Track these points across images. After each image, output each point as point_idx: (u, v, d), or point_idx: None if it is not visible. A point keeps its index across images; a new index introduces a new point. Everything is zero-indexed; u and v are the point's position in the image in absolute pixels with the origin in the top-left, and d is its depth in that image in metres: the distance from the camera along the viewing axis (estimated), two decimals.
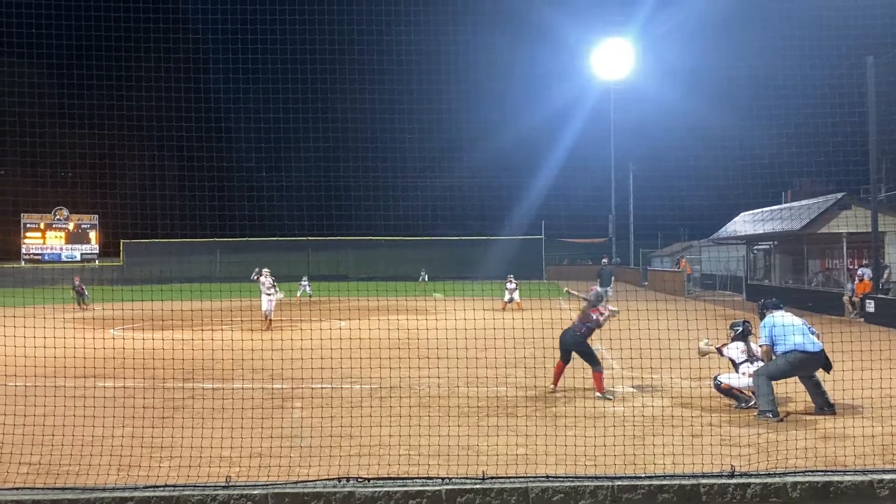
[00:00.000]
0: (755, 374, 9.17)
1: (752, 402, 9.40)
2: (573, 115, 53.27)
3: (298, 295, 35.49)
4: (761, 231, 31.61)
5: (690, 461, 6.47)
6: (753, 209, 35.33)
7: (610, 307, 11.09)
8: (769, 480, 5.03)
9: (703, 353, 10.20)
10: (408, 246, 55.18)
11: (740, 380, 9.61)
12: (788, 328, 9.24)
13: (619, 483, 4.75)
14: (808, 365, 9.12)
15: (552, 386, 10.44)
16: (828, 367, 9.21)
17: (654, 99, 52.25)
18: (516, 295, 28.46)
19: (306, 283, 37.67)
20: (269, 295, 21.33)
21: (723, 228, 38.62)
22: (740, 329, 10.10)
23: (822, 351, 9.16)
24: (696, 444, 7.36)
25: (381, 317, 20.02)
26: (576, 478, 4.84)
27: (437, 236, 53.93)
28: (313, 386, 10.53)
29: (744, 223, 35.70)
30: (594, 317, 10.66)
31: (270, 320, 21.07)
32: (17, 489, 4.46)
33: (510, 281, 29.28)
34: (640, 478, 4.96)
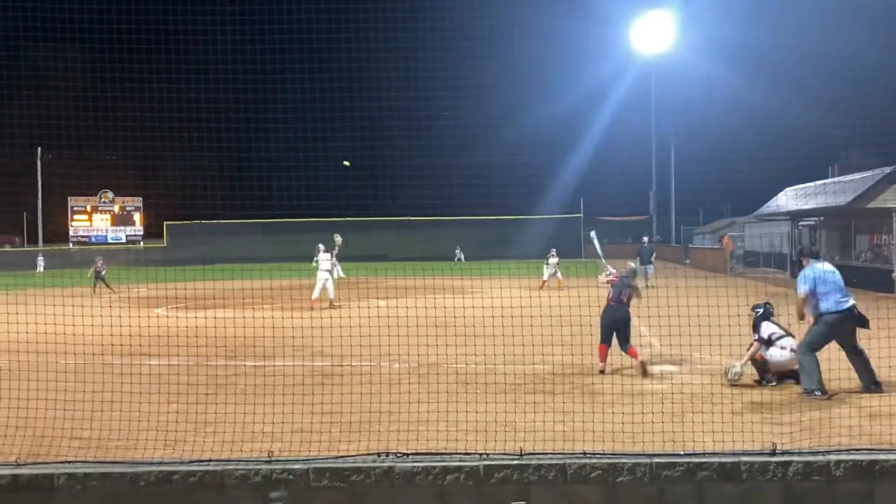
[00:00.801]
0: (799, 349, 8.98)
1: (773, 382, 9.29)
2: (612, 90, 52.58)
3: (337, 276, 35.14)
4: (807, 206, 30.89)
5: (731, 439, 6.41)
6: (798, 184, 34.53)
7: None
8: (812, 459, 4.97)
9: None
10: (445, 226, 55.19)
11: (781, 354, 9.44)
12: (830, 284, 8.93)
13: (658, 460, 4.73)
14: (846, 324, 8.86)
15: (601, 364, 10.35)
16: (864, 323, 8.93)
17: (696, 72, 51.24)
18: (558, 272, 27.59)
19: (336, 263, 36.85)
20: (326, 272, 20.78)
21: (766, 204, 37.84)
22: (761, 310, 9.93)
23: (854, 307, 8.89)
24: (737, 422, 7.29)
25: (419, 296, 20.09)
26: (614, 455, 4.84)
27: (475, 216, 53.84)
28: (353, 364, 10.67)
29: (788, 198, 34.93)
30: (626, 290, 10.76)
31: (331, 300, 20.47)
32: (70, 462, 4.63)
33: (552, 255, 28.31)
34: (680, 455, 4.94)
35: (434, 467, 4.42)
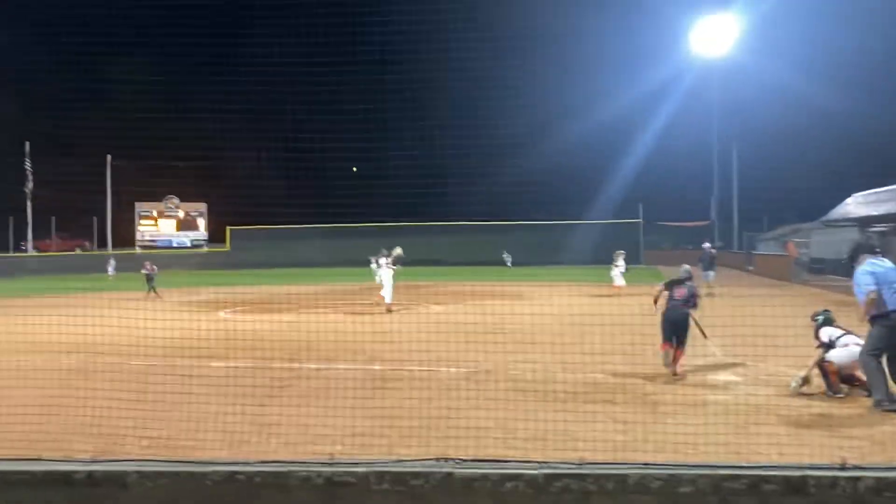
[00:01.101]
0: (861, 358, 8.60)
1: (841, 394, 8.96)
2: (672, 93, 51.68)
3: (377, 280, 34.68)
4: (877, 212, 29.77)
5: (797, 452, 6.24)
6: (867, 189, 33.33)
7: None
8: (884, 474, 4.78)
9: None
10: (501, 231, 55.07)
11: (844, 351, 9.06)
12: (893, 281, 8.42)
13: (722, 472, 4.63)
14: None
15: (673, 367, 10.33)
16: None
17: (760, 75, 49.98)
18: (622, 278, 26.48)
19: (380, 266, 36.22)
20: (385, 275, 21.24)
21: (833, 210, 36.62)
22: (821, 318, 9.64)
23: None
24: (804, 435, 7.09)
25: (475, 301, 20.15)
26: (676, 465, 4.75)
27: (529, 220, 53.55)
28: (410, 368, 10.74)
29: (857, 204, 33.73)
30: (689, 293, 10.77)
31: (389, 303, 20.72)
32: (141, 460, 4.81)
33: (619, 256, 27.18)
34: (744, 467, 4.82)
35: (493, 474, 4.43)
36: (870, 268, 8.63)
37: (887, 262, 8.80)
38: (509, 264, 53.53)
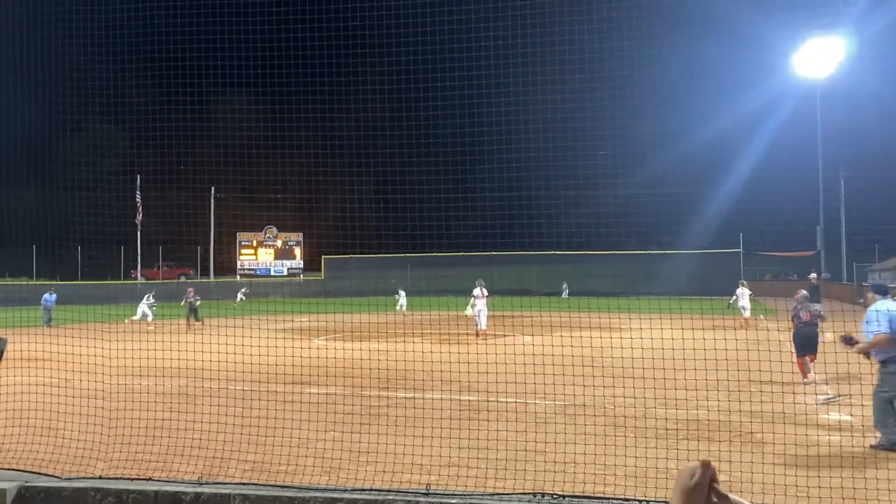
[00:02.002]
0: (874, 397, 8.29)
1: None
2: (774, 118, 49.86)
3: (397, 309, 34.72)
4: None
5: None
6: None
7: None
8: None
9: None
10: (593, 260, 54.06)
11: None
12: None
13: None
14: None
15: (804, 379, 12.07)
16: None
17: (869, 97, 47.64)
18: (747, 307, 25.28)
19: (403, 297, 36.25)
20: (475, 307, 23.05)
21: None
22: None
23: None
24: None
25: (566, 332, 19.76)
26: None
27: (624, 250, 52.42)
28: (502, 399, 10.63)
29: None
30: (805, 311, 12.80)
31: (480, 331, 22.54)
32: (245, 484, 4.92)
33: (742, 285, 26.26)
34: None
35: None
36: (883, 308, 8.51)
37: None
38: (565, 295, 52.45)
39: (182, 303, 28.81)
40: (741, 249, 55.50)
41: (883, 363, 8.35)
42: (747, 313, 25.47)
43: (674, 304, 26.85)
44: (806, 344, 12.36)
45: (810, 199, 51.16)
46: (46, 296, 29.69)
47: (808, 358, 12.28)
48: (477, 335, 22.19)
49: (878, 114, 47.78)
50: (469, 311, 23.98)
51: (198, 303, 27.99)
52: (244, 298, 48.51)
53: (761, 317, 25.91)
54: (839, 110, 49.35)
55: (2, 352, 2.09)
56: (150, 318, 28.65)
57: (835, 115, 49.45)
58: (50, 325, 25.28)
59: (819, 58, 47.16)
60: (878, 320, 8.32)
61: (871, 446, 8.14)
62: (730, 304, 25.95)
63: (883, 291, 8.99)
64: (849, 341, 8.73)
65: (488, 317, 23.37)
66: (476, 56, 10.30)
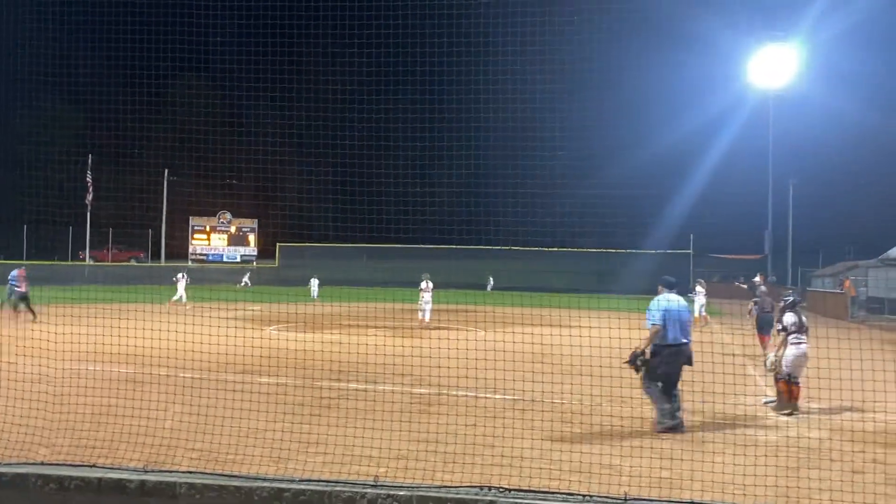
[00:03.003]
0: (644, 382, 9.17)
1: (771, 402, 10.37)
2: (727, 125, 50.89)
3: (313, 298, 36.40)
4: None
5: (851, 499, 6.02)
6: None
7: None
8: None
9: None
10: (550, 257, 54.45)
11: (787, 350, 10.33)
12: (674, 315, 9.09)
13: None
14: (679, 359, 9.05)
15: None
16: (690, 362, 9.11)
17: (819, 107, 48.98)
18: (703, 306, 25.68)
19: (315, 285, 38.82)
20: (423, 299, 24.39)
21: (894, 248, 35.52)
22: (790, 300, 10.84)
23: (688, 344, 9.14)
24: (858, 482, 6.84)
25: (523, 327, 20.00)
26: None
27: (576, 248, 52.97)
28: (453, 393, 10.72)
29: None
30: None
31: (423, 322, 23.75)
32: (191, 472, 4.89)
33: (700, 284, 26.87)
34: None
35: None
36: (664, 301, 9.24)
37: (673, 297, 9.42)
38: (489, 288, 53.62)
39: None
40: (691, 251, 56.65)
41: (653, 354, 9.09)
42: (701, 312, 25.98)
43: (624, 303, 27.32)
44: (765, 325, 15.46)
45: (760, 204, 52.47)
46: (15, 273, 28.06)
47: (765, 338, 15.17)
48: (420, 327, 23.08)
49: (829, 124, 49.23)
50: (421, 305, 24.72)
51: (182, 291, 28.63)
52: (248, 284, 48.07)
53: (709, 317, 26.53)
54: (791, 119, 50.69)
55: None
56: (184, 300, 30.18)
57: (786, 123, 50.79)
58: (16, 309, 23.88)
59: (773, 66, 48.29)
60: (656, 310, 9.11)
61: (657, 431, 8.80)
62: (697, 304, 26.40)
63: (669, 285, 9.59)
64: (632, 361, 9.20)
65: (431, 311, 24.55)
66: (440, 45, 10.31)
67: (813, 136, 51.18)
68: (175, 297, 30.49)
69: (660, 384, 9.02)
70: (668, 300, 9.27)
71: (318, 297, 37.89)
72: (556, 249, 51.30)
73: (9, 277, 23.54)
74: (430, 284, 24.59)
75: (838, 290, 38.70)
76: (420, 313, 24.23)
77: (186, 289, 31.38)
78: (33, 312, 21.88)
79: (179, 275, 32.45)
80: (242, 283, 48.41)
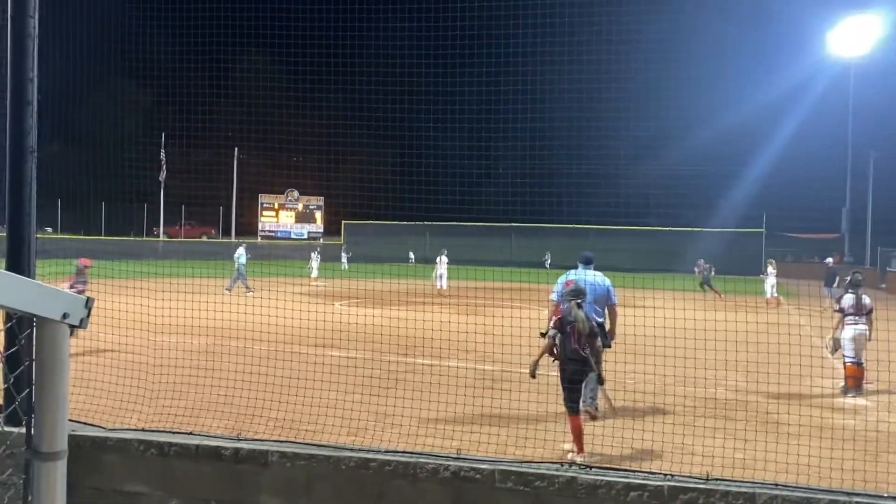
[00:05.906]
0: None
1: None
2: (803, 98, 48.94)
3: (312, 276, 33.69)
4: None
5: None
6: None
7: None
8: None
9: None
10: (615, 235, 53.71)
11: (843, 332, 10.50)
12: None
13: (858, 500, 4.42)
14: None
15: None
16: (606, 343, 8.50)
17: None
18: (773, 286, 25.22)
19: (315, 261, 35.37)
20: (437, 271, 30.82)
21: None
22: (850, 279, 10.90)
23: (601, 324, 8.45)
24: None
25: None
26: (808, 489, 4.57)
27: (645, 226, 52.06)
28: (519, 371, 10.77)
29: None
30: None
31: (441, 290, 28.57)
32: (282, 441, 5.09)
33: (770, 264, 26.43)
34: (883, 497, 4.58)
35: (617, 483, 4.41)
36: (571, 277, 8.48)
37: (590, 274, 8.72)
38: (547, 266, 52.00)
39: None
40: (763, 229, 55.02)
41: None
42: (773, 293, 25.37)
43: (690, 283, 26.82)
44: None
45: (838, 180, 50.47)
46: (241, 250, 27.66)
47: None
48: (439, 294, 26.88)
49: None
50: (435, 278, 30.29)
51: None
52: (346, 263, 46.44)
53: (782, 298, 25.84)
54: (872, 90, 48.36)
55: (89, 311, 2.20)
56: (315, 275, 32.59)
57: (868, 94, 48.50)
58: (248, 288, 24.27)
59: (854, 36, 46.12)
60: (555, 289, 8.48)
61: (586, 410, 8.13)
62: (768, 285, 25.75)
63: (584, 261, 9.02)
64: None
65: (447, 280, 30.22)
66: (505, 24, 10.21)
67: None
68: (314, 275, 32.75)
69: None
70: (567, 276, 8.76)
71: (316, 274, 34.59)
72: (621, 227, 50.44)
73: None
74: (446, 260, 30.74)
75: None
76: (437, 282, 29.97)
77: (315, 264, 33.39)
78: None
79: (314, 253, 34.15)
80: (344, 262, 46.70)
